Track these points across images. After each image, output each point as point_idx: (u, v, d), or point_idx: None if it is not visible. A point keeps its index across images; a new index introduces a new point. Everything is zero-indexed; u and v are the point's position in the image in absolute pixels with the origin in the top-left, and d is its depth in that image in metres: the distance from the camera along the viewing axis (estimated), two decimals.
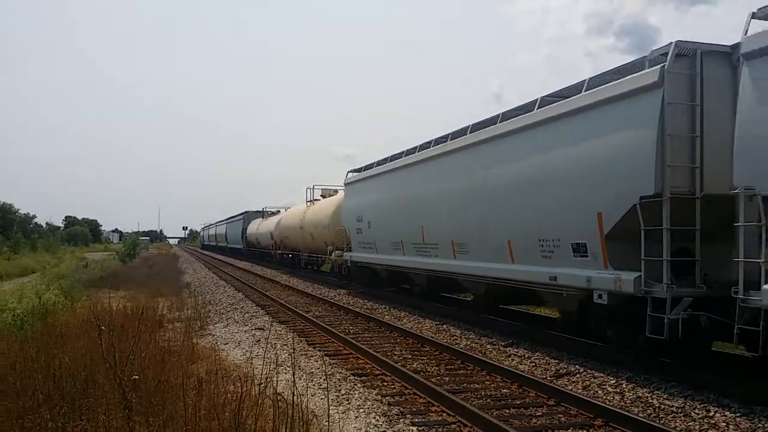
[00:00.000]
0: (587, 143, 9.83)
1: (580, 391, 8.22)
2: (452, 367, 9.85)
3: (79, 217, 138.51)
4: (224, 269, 38.55)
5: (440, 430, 6.70)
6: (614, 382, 8.56)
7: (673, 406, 7.36)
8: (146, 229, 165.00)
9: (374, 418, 7.10)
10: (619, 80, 9.41)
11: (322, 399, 7.54)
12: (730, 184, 7.52)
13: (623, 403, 7.63)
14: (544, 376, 9.05)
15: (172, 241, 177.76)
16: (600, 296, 9.47)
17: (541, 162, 10.95)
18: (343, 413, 7.18)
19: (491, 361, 9.73)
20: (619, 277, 9.05)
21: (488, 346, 11.43)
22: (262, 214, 48.23)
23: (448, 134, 15.17)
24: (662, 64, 8.50)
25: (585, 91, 10.08)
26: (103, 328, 6.40)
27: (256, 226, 47.89)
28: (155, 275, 29.80)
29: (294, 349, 10.50)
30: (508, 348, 11.17)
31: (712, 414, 7.00)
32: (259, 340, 12.22)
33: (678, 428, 6.59)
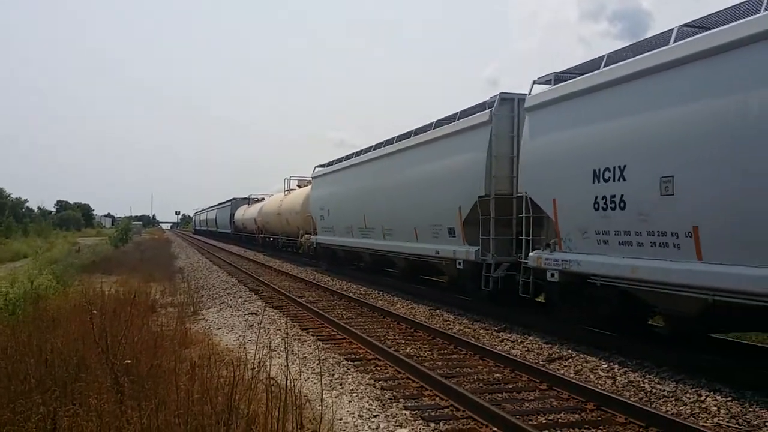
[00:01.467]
0: (454, 158, 14.21)
1: (572, 375, 8.26)
2: (445, 351, 9.88)
3: (72, 202, 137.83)
4: (217, 254, 38.49)
5: (433, 413, 6.72)
6: (606, 366, 8.60)
7: (664, 390, 7.40)
8: (139, 214, 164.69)
9: (367, 402, 7.12)
10: (467, 118, 13.94)
11: (315, 383, 7.54)
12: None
13: (615, 387, 7.66)
14: (537, 361, 9.09)
15: (164, 226, 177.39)
16: (460, 263, 13.82)
17: (433, 168, 15.28)
18: (336, 397, 7.19)
19: (484, 346, 9.75)
20: (469, 250, 13.34)
21: (481, 331, 11.46)
22: (248, 201, 51.64)
23: (382, 141, 19.36)
24: (491, 108, 12.84)
25: (458, 119, 14.43)
26: (95, 312, 6.38)
27: (242, 212, 51.21)
28: (148, 260, 29.76)
29: (287, 333, 10.50)
30: (501, 333, 11.20)
31: (703, 398, 7.05)
32: (252, 324, 12.22)
33: (669, 412, 6.63)
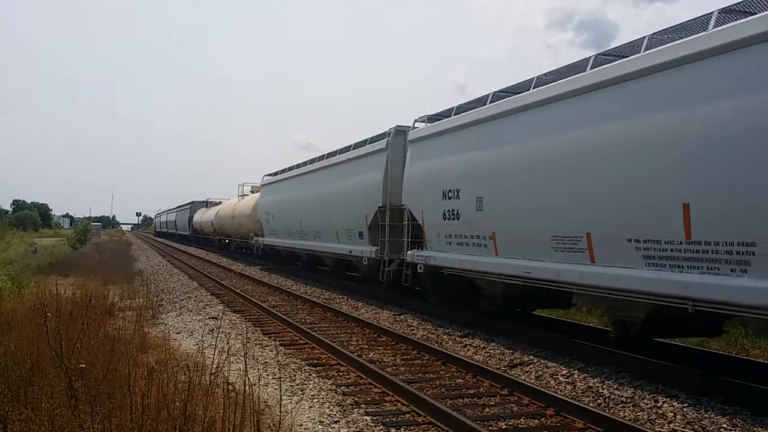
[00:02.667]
0: (362, 176, 17.72)
1: (533, 380, 8.32)
2: (408, 357, 9.87)
3: (29, 201, 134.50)
4: (178, 257, 37.96)
5: (394, 419, 6.70)
6: (566, 372, 8.69)
7: (622, 396, 7.50)
8: (98, 215, 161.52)
9: (328, 407, 7.06)
10: (370, 144, 17.58)
11: (275, 389, 7.45)
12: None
13: (575, 393, 7.74)
14: (499, 366, 9.14)
15: (125, 228, 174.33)
16: (366, 260, 17.15)
17: (348, 183, 18.75)
18: (296, 403, 7.11)
19: (447, 351, 9.77)
20: (371, 249, 16.73)
21: (445, 337, 11.49)
22: (206, 204, 53.94)
23: (315, 158, 23.29)
24: (387, 138, 16.46)
25: (368, 143, 17.84)
26: (49, 314, 6.20)
27: (200, 215, 53.70)
28: (106, 262, 29.19)
29: (248, 338, 10.37)
30: (464, 338, 11.24)
31: (660, 404, 7.15)
32: (213, 329, 12.05)
33: (627, 417, 6.72)
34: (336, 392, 7.72)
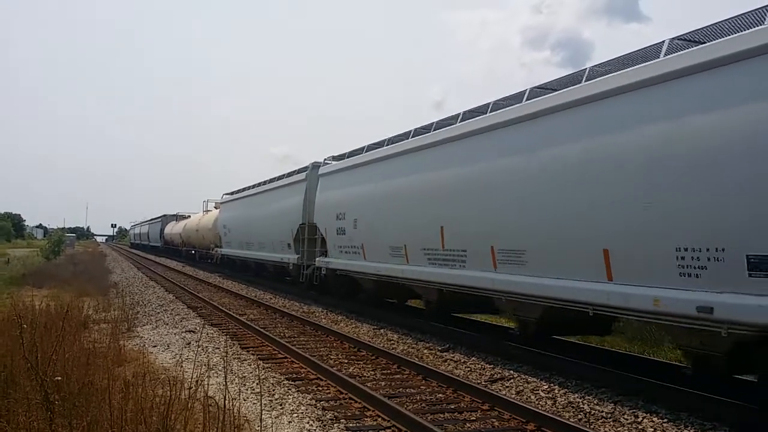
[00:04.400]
0: (289, 199, 22.28)
1: (513, 395, 8.30)
2: (388, 371, 9.81)
3: (1, 211, 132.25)
4: (154, 269, 37.54)
5: None
6: (547, 387, 8.68)
7: (603, 411, 7.51)
8: (72, 226, 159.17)
9: (308, 422, 6.98)
10: (296, 174, 22.25)
11: (254, 403, 7.36)
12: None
13: (555, 408, 7.73)
14: (479, 381, 9.11)
15: (99, 239, 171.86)
16: (291, 266, 21.81)
17: (280, 205, 23.31)
18: (276, 418, 7.03)
19: (427, 366, 9.73)
20: (295, 257, 21.13)
21: (425, 351, 11.44)
22: (176, 217, 57.22)
23: (258, 183, 28.08)
24: (306, 171, 20.97)
25: (296, 174, 22.45)
26: (24, 326, 6.06)
27: (171, 228, 56.79)
28: (81, 273, 28.73)
29: (227, 352, 10.24)
30: (445, 353, 11.20)
31: (640, 419, 7.17)
32: (190, 342, 11.89)
33: None
34: (316, 407, 7.64)
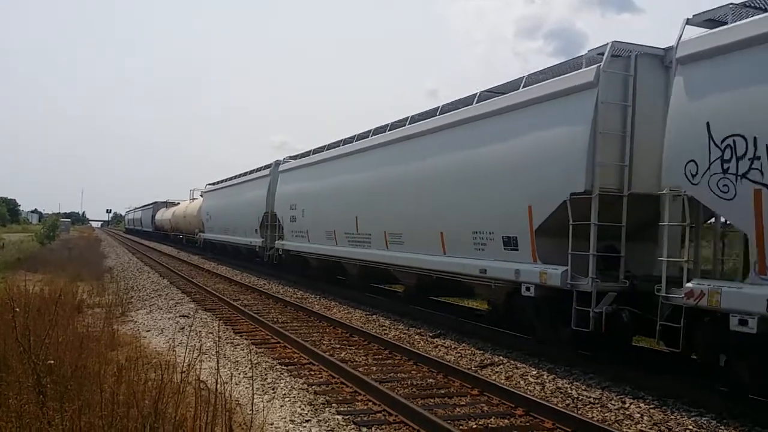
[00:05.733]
0: (256, 191, 25.86)
1: (503, 381, 8.40)
2: (380, 356, 9.89)
3: None
4: (149, 254, 37.57)
5: (366, 418, 6.72)
6: (536, 373, 8.78)
7: (590, 397, 7.61)
8: (68, 211, 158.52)
9: (300, 407, 7.06)
10: (263, 170, 26.65)
11: (247, 388, 7.42)
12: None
13: (544, 394, 7.83)
14: (469, 367, 9.21)
15: (95, 224, 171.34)
16: (257, 248, 25.45)
17: (248, 196, 26.93)
18: (268, 402, 7.10)
19: (418, 351, 9.82)
20: (260, 240, 24.91)
21: (416, 337, 11.54)
22: (166, 204, 60.51)
23: (233, 176, 31.84)
24: (270, 168, 25.02)
25: (262, 170, 26.37)
26: (17, 310, 6.11)
27: (161, 214, 60.41)
28: (76, 258, 28.72)
29: (220, 337, 10.31)
30: (436, 339, 11.30)
31: (627, 405, 7.28)
32: (183, 327, 11.95)
33: (594, 418, 6.82)
34: (308, 391, 7.72)
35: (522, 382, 8.40)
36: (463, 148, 11.59)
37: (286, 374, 8.57)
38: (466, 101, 12.08)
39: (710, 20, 7.58)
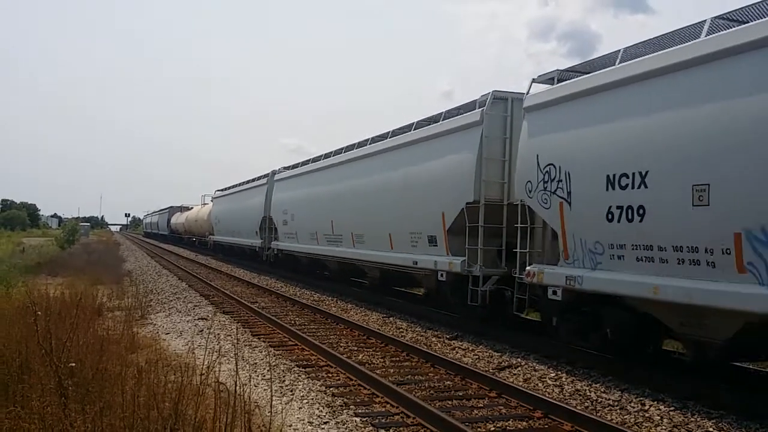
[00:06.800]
0: (257, 198, 28.56)
1: (520, 383, 8.37)
2: (397, 359, 9.90)
3: (17, 201, 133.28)
4: (167, 257, 37.90)
5: (383, 420, 6.72)
6: (554, 375, 8.74)
7: (609, 399, 7.56)
8: (87, 215, 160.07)
9: (318, 408, 7.08)
10: (262, 179, 29.33)
11: (265, 389, 7.46)
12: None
13: (562, 396, 7.80)
14: (487, 369, 9.18)
15: (113, 228, 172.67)
16: (257, 248, 28.48)
17: (249, 203, 29.63)
18: (286, 404, 7.13)
19: (436, 354, 9.81)
20: (259, 241, 27.94)
21: (433, 339, 11.53)
22: (181, 209, 63.72)
23: (236, 183, 35.02)
24: (267, 177, 27.91)
25: (261, 179, 29.46)
26: (39, 313, 6.19)
27: (176, 218, 63.46)
28: (95, 262, 29.03)
29: (238, 339, 10.37)
30: (453, 341, 11.28)
31: (647, 407, 7.22)
32: (202, 330, 12.04)
33: (614, 420, 6.78)
34: (326, 393, 7.74)
35: (540, 385, 8.37)
36: (403, 166, 14.57)
37: (304, 376, 8.61)
38: (405, 129, 15.32)
39: (550, 79, 10.21)
